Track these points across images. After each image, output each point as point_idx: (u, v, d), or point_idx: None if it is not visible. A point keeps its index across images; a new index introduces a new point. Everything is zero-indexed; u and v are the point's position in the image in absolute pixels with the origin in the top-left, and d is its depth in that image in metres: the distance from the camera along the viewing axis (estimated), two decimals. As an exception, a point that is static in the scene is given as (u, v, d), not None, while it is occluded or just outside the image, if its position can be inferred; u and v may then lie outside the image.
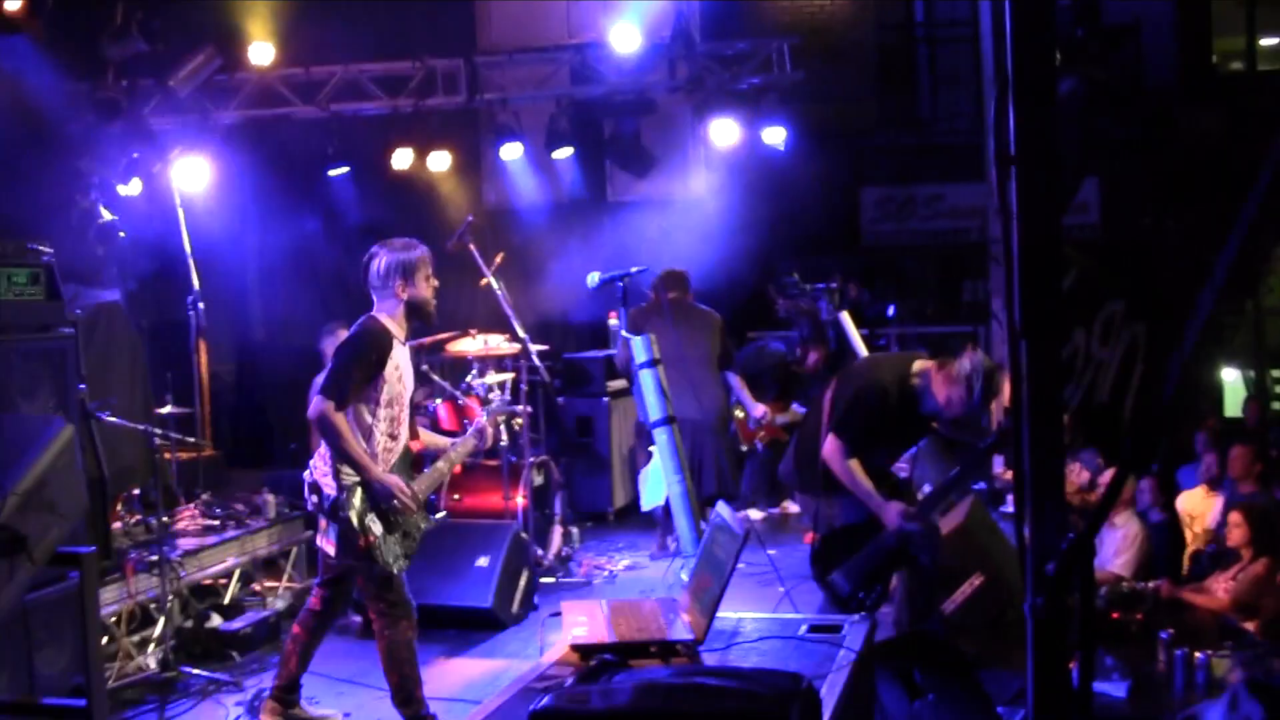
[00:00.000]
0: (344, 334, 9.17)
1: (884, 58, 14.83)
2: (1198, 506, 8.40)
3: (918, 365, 5.86)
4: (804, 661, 3.67)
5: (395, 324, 5.33)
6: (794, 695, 2.97)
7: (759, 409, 9.13)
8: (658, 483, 7.33)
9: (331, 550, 5.27)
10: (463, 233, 8.39)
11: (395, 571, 5.23)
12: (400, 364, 5.36)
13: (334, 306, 10.60)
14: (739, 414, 9.61)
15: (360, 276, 5.48)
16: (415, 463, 5.62)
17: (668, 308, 8.36)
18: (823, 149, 11.94)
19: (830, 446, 5.84)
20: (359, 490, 5.18)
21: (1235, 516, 7.02)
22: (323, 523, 5.30)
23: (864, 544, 5.90)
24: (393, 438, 5.32)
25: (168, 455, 7.63)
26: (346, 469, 5.18)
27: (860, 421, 5.81)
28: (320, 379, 9.13)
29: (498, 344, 8.66)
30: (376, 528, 5.18)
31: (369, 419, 5.22)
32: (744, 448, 10.14)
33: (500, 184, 12.28)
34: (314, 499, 5.29)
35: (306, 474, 5.38)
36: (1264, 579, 6.76)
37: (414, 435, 5.62)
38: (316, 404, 5.11)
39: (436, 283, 5.37)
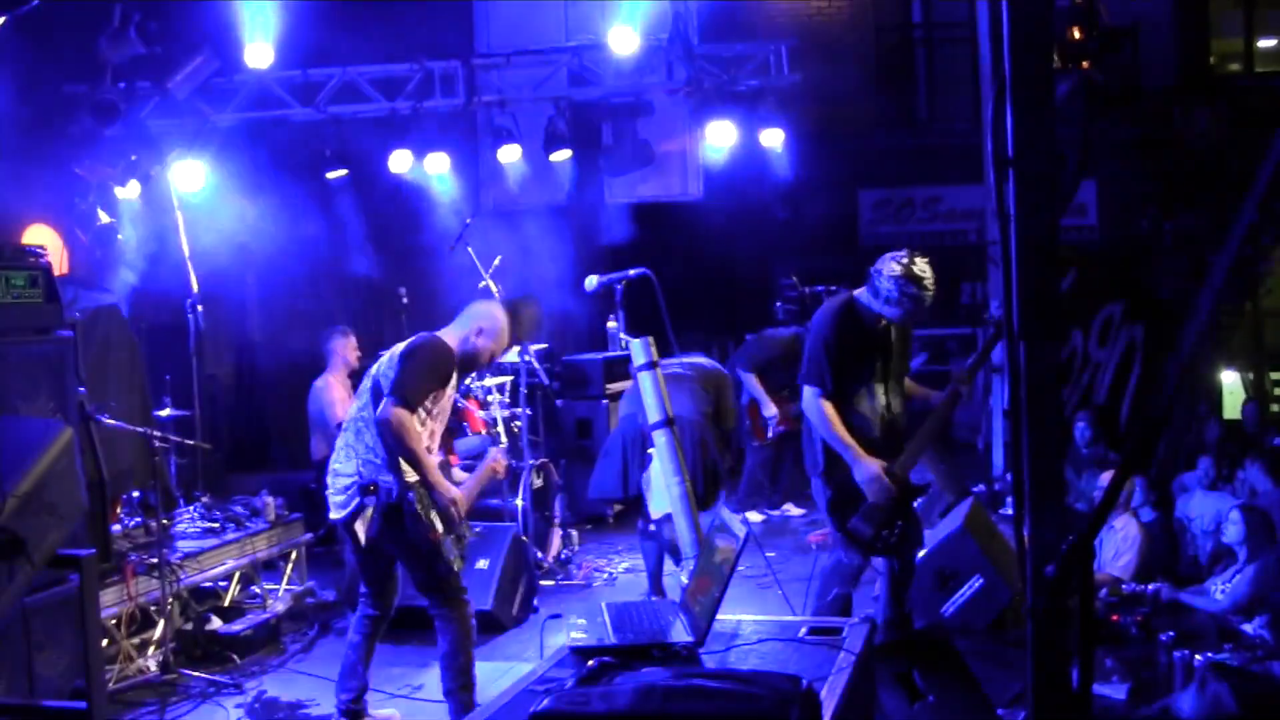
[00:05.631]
0: (352, 341, 9.24)
1: (882, 60, 14.84)
2: (1198, 509, 8.40)
3: (857, 291, 5.99)
4: (804, 664, 3.67)
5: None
6: (793, 697, 2.97)
7: (770, 408, 9.13)
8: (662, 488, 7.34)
9: (371, 531, 5.43)
10: (461, 235, 8.39)
11: (457, 568, 5.49)
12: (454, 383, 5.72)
13: (332, 308, 10.59)
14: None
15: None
16: None
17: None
18: (821, 151, 11.94)
19: (806, 396, 5.92)
20: (419, 489, 5.37)
21: (1234, 515, 7.04)
22: (368, 511, 5.43)
23: None
24: (429, 450, 5.51)
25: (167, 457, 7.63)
26: (407, 468, 5.35)
27: (823, 359, 5.87)
28: (322, 380, 9.19)
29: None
30: (439, 525, 5.39)
31: (420, 428, 5.42)
32: (756, 442, 10.11)
33: (498, 186, 12.26)
34: (368, 500, 5.41)
35: (340, 479, 5.51)
36: (1261, 580, 6.76)
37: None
38: (388, 407, 5.26)
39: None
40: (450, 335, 5.64)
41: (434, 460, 5.46)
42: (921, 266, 5.79)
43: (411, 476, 5.36)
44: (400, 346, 5.60)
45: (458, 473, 6.37)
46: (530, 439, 8.64)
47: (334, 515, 5.59)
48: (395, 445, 5.29)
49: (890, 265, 5.80)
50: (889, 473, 5.80)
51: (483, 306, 5.85)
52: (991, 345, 6.41)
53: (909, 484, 5.91)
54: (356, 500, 5.43)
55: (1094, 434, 9.77)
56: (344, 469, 5.50)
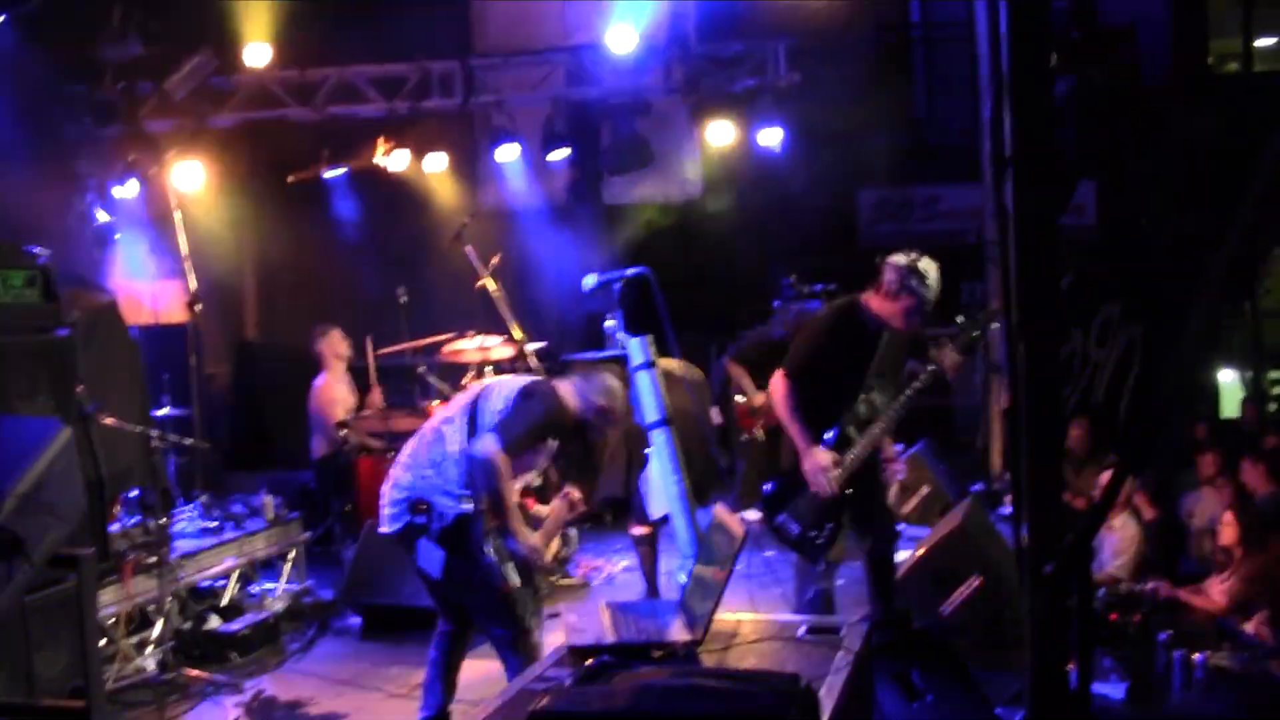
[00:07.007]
0: (336, 335, 9.19)
1: (880, 59, 14.82)
2: (1196, 508, 8.41)
3: (863, 296, 6.00)
4: (802, 663, 3.67)
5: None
6: (792, 697, 2.97)
7: (759, 398, 9.12)
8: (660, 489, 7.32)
9: (435, 573, 5.08)
10: (459, 234, 8.39)
11: (531, 628, 5.07)
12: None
13: (330, 308, 10.60)
14: (739, 399, 9.58)
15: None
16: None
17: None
18: (819, 150, 11.93)
19: (776, 380, 5.99)
20: (495, 538, 5.05)
21: (1227, 516, 7.03)
22: (423, 543, 5.07)
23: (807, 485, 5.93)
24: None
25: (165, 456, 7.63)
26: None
27: (806, 356, 5.95)
28: (321, 379, 9.18)
29: (495, 345, 8.65)
30: (515, 578, 5.07)
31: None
32: (744, 436, 10.09)
33: (496, 186, 12.26)
34: (418, 519, 5.05)
35: (396, 490, 5.16)
36: (1259, 579, 6.76)
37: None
38: (489, 444, 4.95)
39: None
40: (568, 392, 5.34)
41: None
42: (926, 263, 5.83)
43: (464, 505, 5.02)
44: (517, 382, 5.31)
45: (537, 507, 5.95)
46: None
47: (383, 529, 5.25)
48: (484, 484, 4.97)
49: (895, 256, 5.85)
50: (831, 466, 5.81)
51: (613, 384, 5.42)
52: (965, 338, 6.27)
53: (852, 485, 5.90)
54: (406, 519, 5.09)
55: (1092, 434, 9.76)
56: (401, 480, 5.18)
